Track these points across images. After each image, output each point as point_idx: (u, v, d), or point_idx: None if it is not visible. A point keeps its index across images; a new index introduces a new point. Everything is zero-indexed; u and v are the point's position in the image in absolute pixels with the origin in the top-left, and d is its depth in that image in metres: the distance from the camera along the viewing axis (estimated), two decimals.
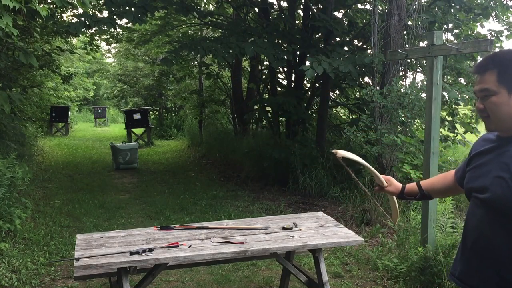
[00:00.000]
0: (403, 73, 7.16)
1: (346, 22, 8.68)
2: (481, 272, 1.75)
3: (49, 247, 5.06)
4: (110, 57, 24.53)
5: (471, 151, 1.91)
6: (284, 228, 3.40)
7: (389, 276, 4.29)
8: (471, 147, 1.95)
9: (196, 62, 13.40)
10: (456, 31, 7.90)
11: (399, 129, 5.99)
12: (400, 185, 2.25)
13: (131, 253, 2.85)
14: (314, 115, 9.67)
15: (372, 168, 2.31)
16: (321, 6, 8.64)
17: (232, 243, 3.07)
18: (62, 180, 8.93)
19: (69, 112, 19.00)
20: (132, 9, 7.23)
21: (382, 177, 2.27)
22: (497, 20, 8.21)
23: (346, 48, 8.66)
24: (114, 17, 7.29)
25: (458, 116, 7.45)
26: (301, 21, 9.63)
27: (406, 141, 5.57)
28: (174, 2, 8.00)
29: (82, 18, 7.11)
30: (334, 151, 2.25)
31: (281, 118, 9.50)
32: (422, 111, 5.54)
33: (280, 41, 8.22)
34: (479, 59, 7.94)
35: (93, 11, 10.37)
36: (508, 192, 1.61)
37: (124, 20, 8.64)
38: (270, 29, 8.38)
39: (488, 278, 1.72)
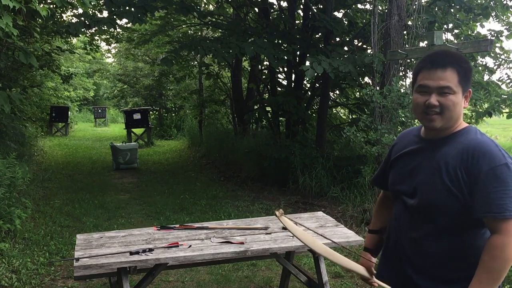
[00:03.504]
0: (403, 73, 7.16)
1: (346, 22, 8.68)
2: (400, 274, 1.76)
3: (49, 247, 5.06)
4: (110, 57, 24.54)
5: (394, 150, 1.89)
6: (284, 228, 3.40)
7: None
8: (393, 145, 1.93)
9: (196, 62, 13.40)
10: (456, 31, 7.90)
11: (399, 129, 5.99)
12: (366, 253, 2.05)
13: (131, 253, 2.85)
14: (314, 115, 9.67)
15: (349, 264, 1.90)
16: (321, 6, 8.64)
17: (232, 243, 3.07)
18: (62, 180, 8.92)
19: (69, 112, 18.99)
20: (132, 9, 7.22)
21: (360, 267, 1.96)
22: (497, 20, 8.21)
23: (346, 48, 8.66)
24: (114, 17, 7.29)
25: None
26: (301, 21, 9.63)
27: None
28: (174, 2, 8.00)
29: (82, 18, 7.11)
30: (278, 213, 1.90)
31: (281, 118, 9.50)
32: None
33: (280, 41, 8.22)
34: (479, 59, 7.95)
35: (93, 11, 10.36)
36: (441, 197, 1.62)
37: (124, 20, 8.63)
38: (270, 29, 8.38)
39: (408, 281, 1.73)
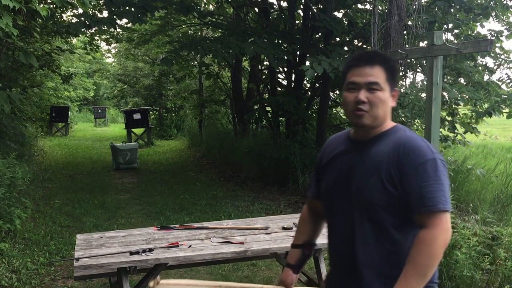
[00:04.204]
0: (403, 73, 7.16)
1: (346, 22, 8.68)
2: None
3: (49, 247, 5.06)
4: (110, 57, 24.55)
5: (324, 157, 1.88)
6: (284, 228, 3.40)
7: None
8: (322, 151, 1.92)
9: (196, 62, 13.40)
10: (456, 31, 7.90)
11: None
12: (287, 269, 2.00)
13: (131, 253, 2.85)
14: (314, 115, 9.67)
15: None
16: (321, 6, 8.64)
17: (232, 243, 3.07)
18: (62, 180, 8.92)
19: (69, 112, 19.00)
20: (132, 9, 7.22)
21: None
22: (497, 20, 8.21)
23: (346, 48, 8.66)
24: (114, 17, 7.28)
25: (458, 116, 7.46)
26: (301, 21, 9.63)
27: None
28: (174, 2, 8.00)
29: (82, 18, 7.11)
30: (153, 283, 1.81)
31: (281, 118, 9.50)
32: (422, 111, 5.54)
33: (280, 41, 8.21)
34: (479, 59, 7.95)
35: (93, 11, 10.36)
36: (379, 196, 1.63)
37: (124, 20, 8.64)
38: (270, 29, 8.38)
39: None
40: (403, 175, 1.61)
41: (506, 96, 7.06)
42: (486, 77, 7.98)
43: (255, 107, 10.25)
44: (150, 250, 2.91)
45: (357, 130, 1.77)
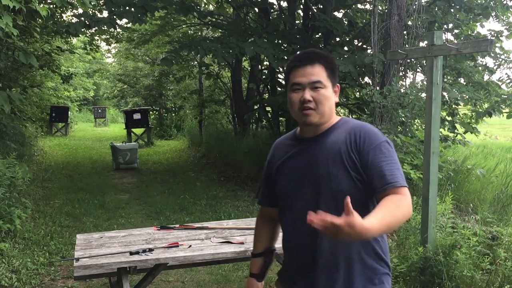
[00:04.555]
0: (403, 73, 7.16)
1: (346, 22, 8.68)
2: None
3: (49, 247, 5.06)
4: (110, 57, 24.58)
5: (275, 161, 1.88)
6: None
7: None
8: (271, 156, 1.92)
9: (196, 62, 13.41)
10: (456, 31, 7.91)
11: (399, 129, 5.99)
12: (251, 279, 2.09)
13: (131, 253, 2.85)
14: None
15: None
16: (321, 6, 8.64)
17: (232, 243, 3.07)
18: (62, 180, 8.92)
19: (69, 112, 19.01)
20: (132, 9, 7.23)
21: None
22: (497, 20, 8.22)
23: (346, 48, 8.66)
24: (114, 17, 7.29)
25: (458, 116, 7.45)
26: (301, 21, 9.63)
27: (406, 141, 5.57)
28: (174, 2, 8.00)
29: (82, 18, 7.11)
30: None
31: (281, 118, 9.50)
32: (422, 111, 5.54)
33: (280, 41, 8.22)
34: (479, 59, 7.95)
35: (93, 11, 10.36)
36: (346, 185, 1.66)
37: (124, 20, 8.64)
38: (270, 29, 8.38)
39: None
40: (362, 158, 1.67)
41: (506, 96, 7.06)
42: (486, 77, 7.98)
43: (255, 107, 10.24)
44: (150, 250, 2.91)
45: (305, 129, 1.81)
